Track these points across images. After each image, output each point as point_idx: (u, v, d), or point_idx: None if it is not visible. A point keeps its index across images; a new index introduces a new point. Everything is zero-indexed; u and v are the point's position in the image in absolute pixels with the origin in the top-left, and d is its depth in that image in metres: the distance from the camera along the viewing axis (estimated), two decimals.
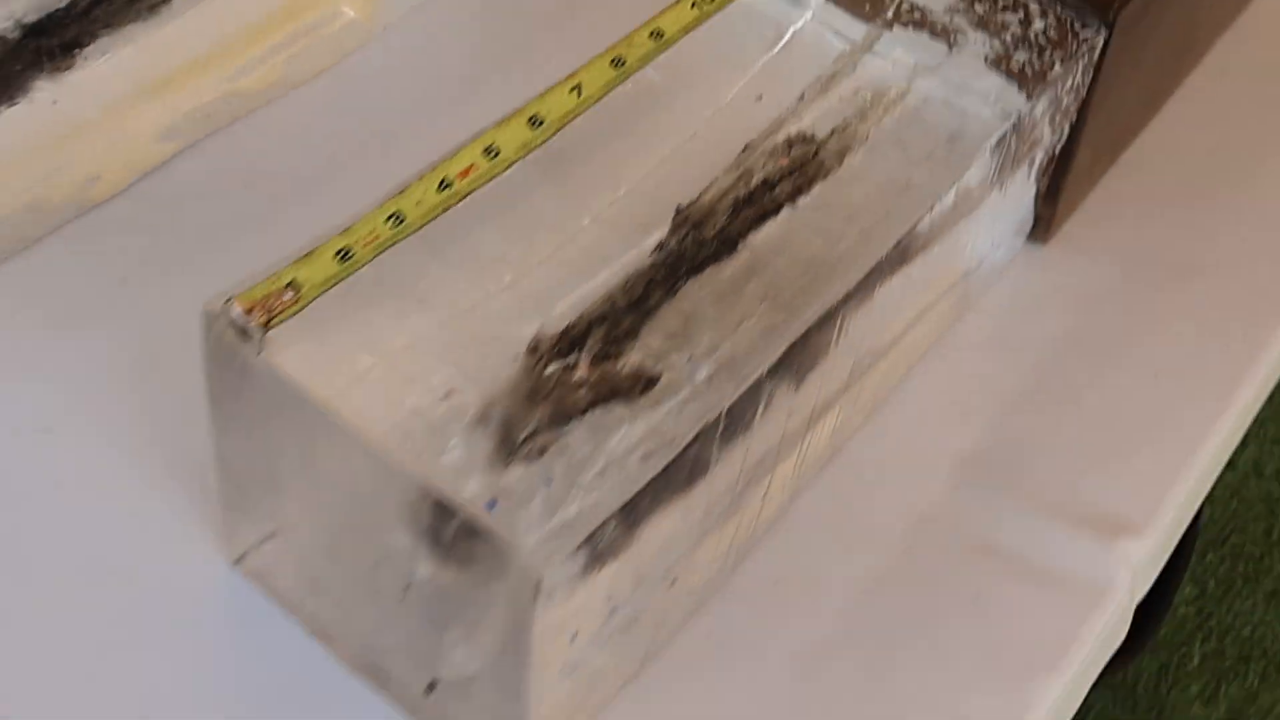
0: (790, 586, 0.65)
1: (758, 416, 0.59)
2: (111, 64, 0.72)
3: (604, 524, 0.51)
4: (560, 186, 0.62)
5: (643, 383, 0.55)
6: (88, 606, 0.61)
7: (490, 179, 0.57)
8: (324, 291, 0.52)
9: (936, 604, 0.65)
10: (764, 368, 0.56)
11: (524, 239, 0.59)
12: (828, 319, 0.60)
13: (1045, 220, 0.78)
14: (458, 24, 0.87)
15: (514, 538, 0.48)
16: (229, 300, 0.51)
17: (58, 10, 0.68)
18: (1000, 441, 0.71)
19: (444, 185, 0.56)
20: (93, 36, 0.70)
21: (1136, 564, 0.67)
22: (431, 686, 0.57)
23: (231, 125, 0.80)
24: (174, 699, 0.59)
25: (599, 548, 0.52)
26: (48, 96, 0.70)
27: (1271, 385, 0.75)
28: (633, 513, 0.53)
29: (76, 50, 0.70)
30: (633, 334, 0.57)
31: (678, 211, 0.61)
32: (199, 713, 0.59)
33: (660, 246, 0.60)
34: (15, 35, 0.67)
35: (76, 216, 0.74)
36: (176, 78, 0.75)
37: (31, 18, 0.67)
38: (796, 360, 0.59)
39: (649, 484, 0.53)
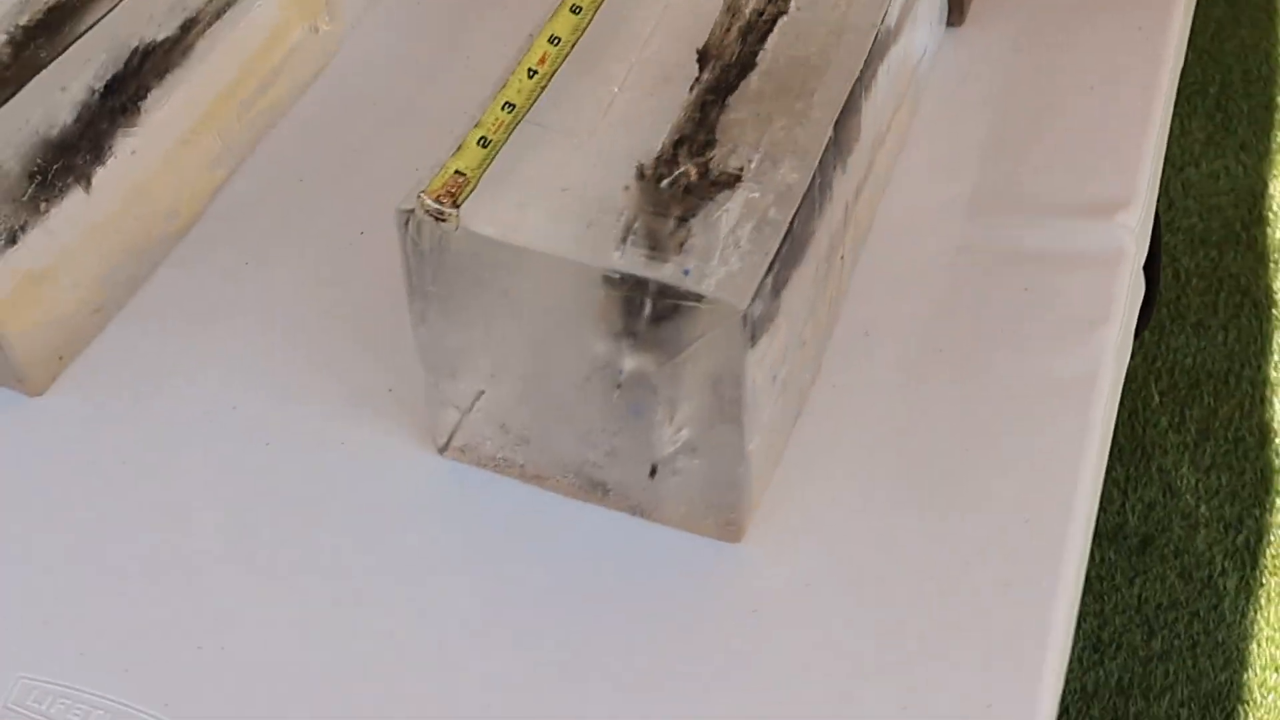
0: (878, 330, 0.78)
1: (832, 190, 0.72)
2: (166, 111, 0.82)
3: (766, 275, 0.63)
4: (587, 67, 0.73)
5: (733, 175, 0.68)
6: (329, 519, 0.71)
7: (562, 60, 0.69)
8: (484, 171, 0.64)
9: (997, 305, 0.79)
10: (829, 133, 0.69)
11: (579, 112, 0.71)
12: (853, 104, 0.73)
13: (957, 6, 0.92)
14: (409, 5, 0.99)
15: (715, 292, 0.61)
16: (420, 194, 0.62)
17: (119, 71, 0.78)
18: (992, 178, 0.85)
19: (532, 73, 0.68)
20: (148, 89, 0.80)
21: (1135, 229, 0.82)
22: (653, 471, 0.69)
23: (260, 144, 0.90)
24: (428, 572, 0.69)
25: (762, 311, 0.64)
26: (127, 148, 0.80)
27: (1183, 50, 0.91)
28: (777, 275, 0.65)
29: (140, 103, 0.80)
30: (709, 144, 0.69)
31: (699, 53, 0.74)
32: (451, 577, 0.69)
33: (697, 81, 0.72)
34: (95, 100, 0.77)
35: (169, 251, 0.84)
36: (212, 112, 0.86)
37: (102, 82, 0.77)
38: (843, 138, 0.72)
39: (782, 249, 0.65)
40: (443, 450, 0.73)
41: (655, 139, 0.69)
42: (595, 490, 0.71)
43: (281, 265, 0.83)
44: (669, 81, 0.73)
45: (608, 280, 0.63)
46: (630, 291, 0.63)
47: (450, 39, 0.97)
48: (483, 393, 0.70)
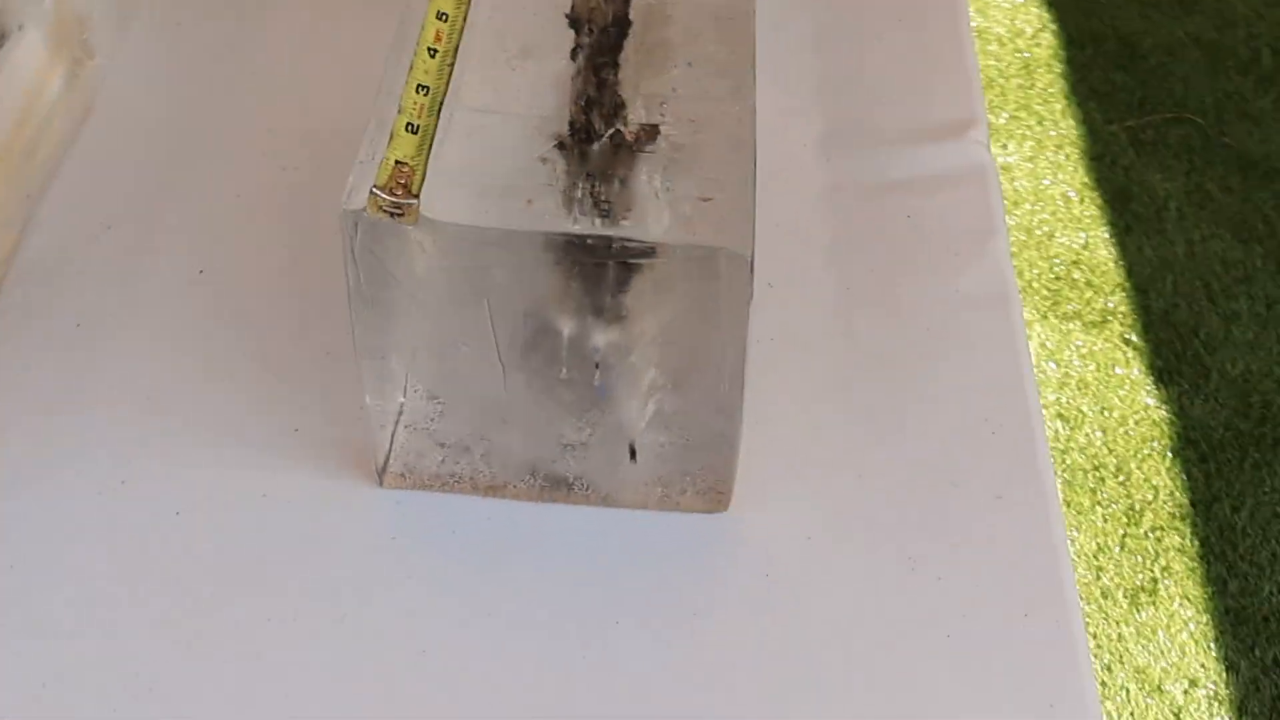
0: (781, 280, 0.76)
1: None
2: None
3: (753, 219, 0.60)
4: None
5: (654, 129, 0.64)
6: (275, 581, 0.64)
7: (458, 33, 0.64)
8: (427, 155, 0.58)
9: (886, 237, 0.79)
10: (753, 75, 0.66)
11: (473, 89, 0.66)
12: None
13: None
14: (162, 29, 0.90)
15: (718, 240, 0.57)
16: (372, 190, 0.56)
17: None
18: (836, 118, 0.85)
19: (432, 52, 0.62)
20: None
21: (986, 143, 0.83)
22: (633, 453, 0.65)
23: (46, 196, 0.80)
24: (404, 617, 0.63)
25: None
26: None
27: None
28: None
29: None
30: (620, 105, 0.66)
31: (569, 19, 0.70)
32: (431, 617, 0.63)
33: (579, 47, 0.69)
34: None
35: None
36: None
37: None
38: None
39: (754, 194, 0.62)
40: (381, 479, 0.67)
41: (557, 107, 0.65)
42: (559, 488, 0.67)
43: (118, 321, 0.74)
44: (538, 49, 0.69)
45: (575, 248, 0.59)
46: (599, 258, 0.59)
47: (216, 53, 0.89)
48: (406, 399, 0.64)
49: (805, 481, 0.67)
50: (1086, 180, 1.81)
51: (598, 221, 0.59)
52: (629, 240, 0.58)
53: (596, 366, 0.62)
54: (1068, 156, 1.84)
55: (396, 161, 0.58)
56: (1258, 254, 1.72)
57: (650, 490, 0.66)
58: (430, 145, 0.59)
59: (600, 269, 0.59)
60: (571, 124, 0.65)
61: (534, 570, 0.64)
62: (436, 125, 0.60)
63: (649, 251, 0.58)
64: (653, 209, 0.60)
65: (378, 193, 0.56)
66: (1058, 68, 1.97)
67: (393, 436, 0.66)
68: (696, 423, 0.63)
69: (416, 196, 0.57)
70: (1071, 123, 1.89)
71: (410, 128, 0.59)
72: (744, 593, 0.63)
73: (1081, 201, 1.78)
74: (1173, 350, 1.61)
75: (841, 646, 0.61)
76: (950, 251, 0.77)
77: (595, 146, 0.63)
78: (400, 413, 0.65)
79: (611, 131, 0.64)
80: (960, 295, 0.75)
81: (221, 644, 0.61)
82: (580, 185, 0.61)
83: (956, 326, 0.74)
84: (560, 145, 0.64)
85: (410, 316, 0.60)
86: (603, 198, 0.61)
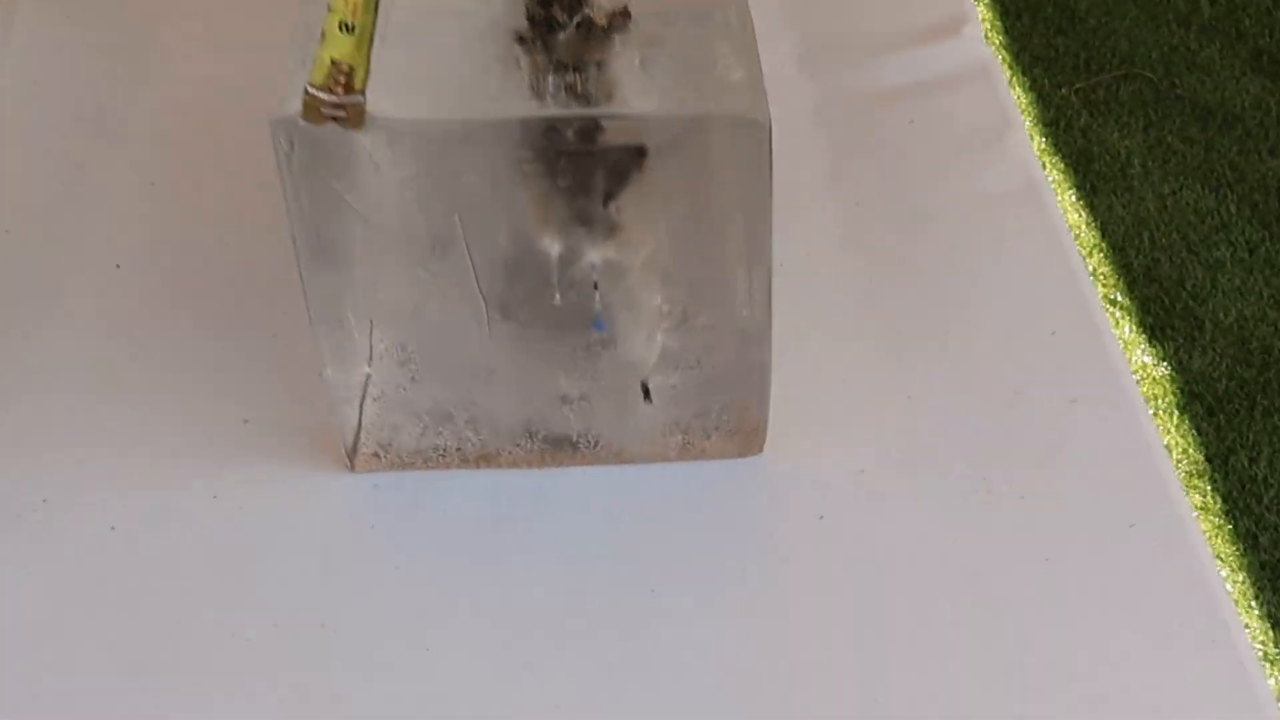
0: (788, 199, 0.67)
1: None
2: None
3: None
4: None
5: (624, 11, 0.55)
6: (245, 595, 0.53)
7: None
8: (368, 53, 0.48)
9: (894, 145, 0.70)
10: None
11: None
12: None
13: None
14: (52, 28, 0.81)
15: (721, 108, 0.48)
16: (307, 89, 0.46)
17: None
18: (812, 31, 0.77)
19: None
20: None
21: (982, 37, 0.75)
22: (647, 392, 0.55)
23: None
24: (391, 611, 0.53)
25: None
26: None
27: None
28: None
29: None
30: None
31: None
32: (428, 608, 0.53)
33: None
34: None
35: None
36: None
37: None
38: None
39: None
40: (352, 463, 0.57)
41: (508, 6, 0.56)
42: (562, 449, 0.57)
43: (28, 330, 0.64)
44: None
45: (556, 137, 0.49)
46: (584, 146, 0.49)
47: (108, 44, 0.80)
48: (373, 366, 0.53)
49: (847, 412, 0.58)
50: (1045, 146, 1.74)
51: (575, 105, 0.50)
52: (619, 116, 0.48)
53: (595, 287, 0.52)
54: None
55: (332, 60, 0.48)
56: (1230, 200, 1.65)
57: (668, 438, 0.56)
58: (370, 44, 0.49)
59: (587, 166, 0.50)
60: (530, 19, 0.55)
61: (546, 546, 0.54)
62: (374, 25, 0.50)
63: (641, 129, 0.48)
64: (639, 88, 0.50)
65: (314, 92, 0.47)
66: (997, 39, 1.91)
67: (361, 412, 0.56)
68: (717, 352, 0.54)
69: (361, 93, 0.47)
70: (1020, 91, 1.82)
71: (345, 27, 0.50)
72: (797, 541, 0.54)
73: (1044, 168, 1.71)
74: (1161, 305, 1.53)
75: (921, 589, 0.52)
76: (964, 151, 0.69)
77: (561, 36, 0.54)
78: (367, 384, 0.55)
79: (579, 19, 0.54)
80: (984, 194, 0.67)
81: (191, 670, 0.50)
82: (550, 77, 0.52)
83: (987, 227, 0.65)
84: (520, 40, 0.54)
85: (369, 256, 0.50)
86: (578, 85, 0.51)
